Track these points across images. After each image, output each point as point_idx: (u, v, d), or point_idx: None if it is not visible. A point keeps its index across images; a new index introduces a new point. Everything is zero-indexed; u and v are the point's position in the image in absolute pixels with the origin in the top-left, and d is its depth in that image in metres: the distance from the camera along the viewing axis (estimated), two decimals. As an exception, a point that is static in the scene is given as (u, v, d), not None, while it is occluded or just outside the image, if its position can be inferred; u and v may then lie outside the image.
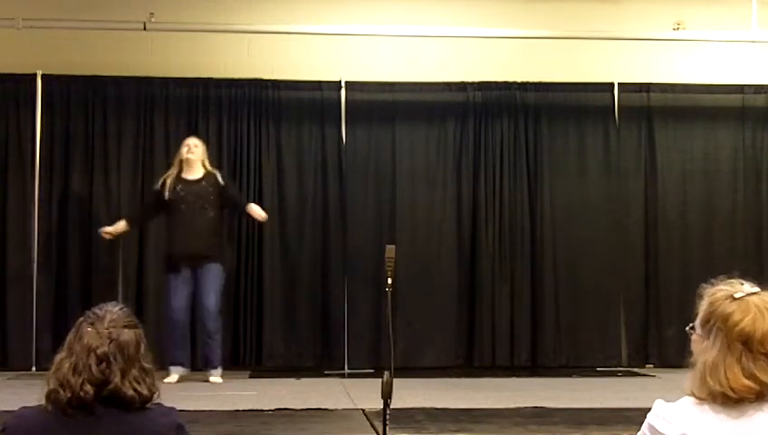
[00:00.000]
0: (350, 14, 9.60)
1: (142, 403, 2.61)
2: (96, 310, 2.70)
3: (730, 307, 2.43)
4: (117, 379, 2.58)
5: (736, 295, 2.44)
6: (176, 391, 7.06)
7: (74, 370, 2.58)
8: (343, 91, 9.65)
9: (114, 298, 8.28)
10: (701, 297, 2.51)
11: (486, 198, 9.70)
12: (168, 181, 8.30)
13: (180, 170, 8.36)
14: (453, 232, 9.69)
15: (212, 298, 8.22)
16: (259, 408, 6.64)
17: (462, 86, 9.75)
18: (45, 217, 9.33)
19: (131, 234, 9.37)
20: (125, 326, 2.66)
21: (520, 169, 9.76)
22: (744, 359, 2.39)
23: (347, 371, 9.30)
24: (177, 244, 8.27)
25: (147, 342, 2.72)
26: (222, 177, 8.48)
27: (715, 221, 9.88)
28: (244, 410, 6.53)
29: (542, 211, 9.75)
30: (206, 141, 9.45)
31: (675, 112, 9.91)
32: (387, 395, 4.35)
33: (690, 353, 2.52)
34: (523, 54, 9.80)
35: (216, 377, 8.24)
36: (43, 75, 9.39)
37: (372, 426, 5.83)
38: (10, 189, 9.36)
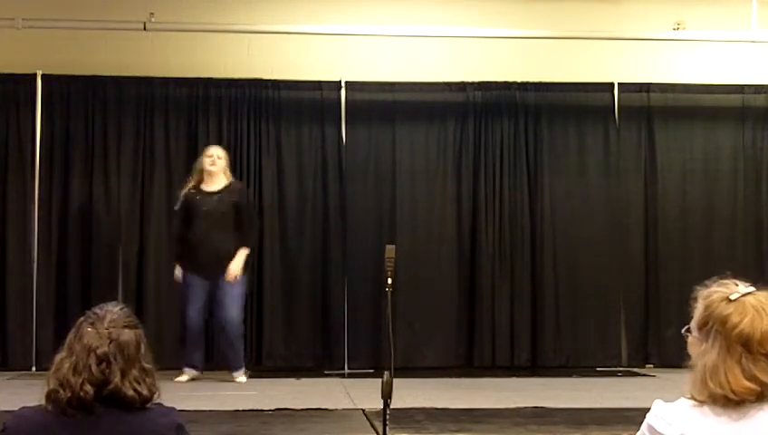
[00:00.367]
0: (350, 14, 9.60)
1: (142, 403, 2.61)
2: (96, 310, 2.70)
3: (727, 309, 2.42)
4: (117, 379, 2.58)
5: (732, 297, 2.43)
6: (176, 390, 7.06)
7: (74, 370, 2.58)
8: (343, 91, 9.65)
9: (114, 298, 8.30)
10: (696, 300, 2.50)
11: (486, 197, 9.70)
12: (187, 191, 8.33)
13: (200, 180, 8.33)
14: (453, 232, 9.69)
15: (234, 311, 8.25)
16: (259, 408, 6.64)
17: (462, 86, 9.75)
18: (45, 217, 9.33)
19: (131, 234, 9.40)
20: (125, 326, 2.66)
21: (520, 169, 9.76)
22: (744, 360, 2.38)
23: (347, 371, 9.30)
24: (196, 255, 8.24)
25: (147, 342, 2.72)
26: (246, 195, 8.51)
27: (715, 221, 9.88)
28: (244, 410, 6.53)
29: (542, 211, 9.75)
30: (206, 141, 9.48)
31: (675, 112, 9.91)
32: (387, 395, 4.35)
33: (688, 356, 2.51)
34: (523, 54, 9.80)
35: (242, 377, 8.35)
36: (43, 75, 9.39)
37: (372, 426, 5.83)
38: (10, 189, 9.36)
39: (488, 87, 9.76)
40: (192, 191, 8.30)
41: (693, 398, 2.43)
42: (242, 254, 8.24)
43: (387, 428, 4.52)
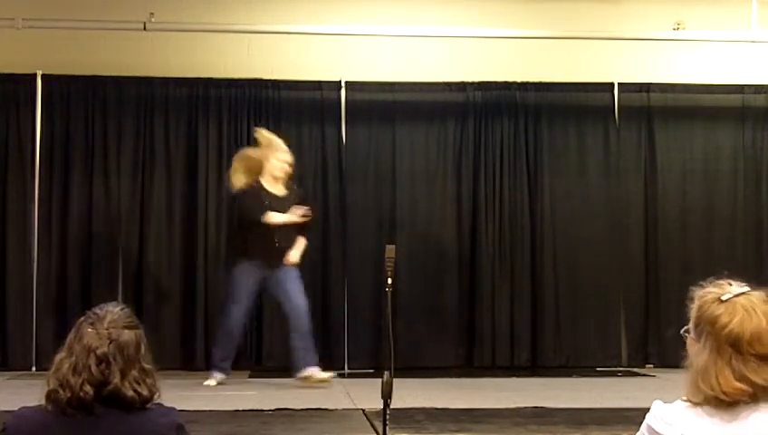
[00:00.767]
0: (350, 14, 9.60)
1: (142, 404, 2.61)
2: (96, 310, 2.70)
3: (717, 310, 2.42)
4: (116, 379, 2.58)
5: (723, 297, 2.43)
6: (176, 390, 7.06)
7: (74, 370, 2.58)
8: (343, 91, 9.65)
9: (114, 298, 8.31)
10: (692, 300, 2.50)
11: (486, 197, 9.70)
12: (254, 189, 7.99)
13: (258, 174, 8.03)
14: (453, 232, 9.69)
15: (302, 297, 8.02)
16: (259, 408, 6.64)
17: (462, 86, 9.75)
18: (45, 216, 9.33)
19: (131, 234, 9.39)
20: (125, 327, 2.66)
21: (520, 169, 9.76)
22: (734, 361, 2.38)
23: (347, 371, 9.30)
24: (257, 254, 7.91)
25: (147, 342, 2.71)
26: (301, 196, 8.28)
27: (715, 221, 9.88)
28: (244, 410, 6.53)
29: (541, 211, 9.75)
30: (206, 141, 9.50)
31: (675, 112, 9.91)
32: (387, 395, 4.35)
33: (687, 356, 2.51)
34: (523, 54, 9.80)
35: (321, 373, 8.05)
36: (43, 75, 9.39)
37: (372, 426, 5.83)
38: (10, 189, 9.36)
39: (488, 87, 9.76)
40: (262, 193, 7.97)
41: (689, 400, 2.42)
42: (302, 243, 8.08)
43: (387, 428, 4.52)
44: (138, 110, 9.49)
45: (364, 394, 6.98)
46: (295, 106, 9.62)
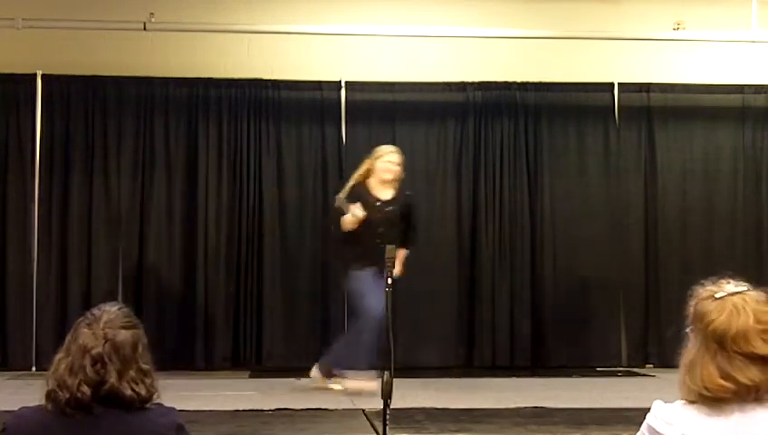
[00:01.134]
0: (350, 14, 9.60)
1: (141, 403, 2.61)
2: (94, 310, 2.69)
3: (708, 306, 2.43)
4: (113, 379, 2.57)
5: (717, 295, 2.43)
6: (176, 390, 7.06)
7: (71, 371, 2.58)
8: (343, 91, 9.65)
9: (114, 298, 8.31)
10: (693, 298, 2.51)
11: (486, 197, 9.69)
12: (362, 192, 7.68)
13: (367, 178, 7.74)
14: (453, 232, 9.68)
15: (380, 306, 7.42)
16: (259, 408, 6.64)
17: (462, 86, 9.75)
18: (45, 217, 9.33)
19: (131, 234, 9.39)
20: (122, 327, 2.65)
21: (520, 169, 9.76)
22: (719, 358, 2.37)
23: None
24: (363, 259, 7.52)
25: (146, 342, 2.70)
26: (411, 204, 7.92)
27: (715, 221, 9.88)
28: (244, 410, 6.54)
29: (541, 211, 9.75)
30: (206, 141, 9.49)
31: (675, 112, 9.91)
32: (387, 395, 4.35)
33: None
34: (523, 54, 9.80)
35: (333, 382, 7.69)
36: (43, 75, 9.39)
37: (372, 426, 5.83)
38: (10, 189, 9.36)
39: (488, 87, 9.76)
40: (370, 195, 7.69)
41: (684, 398, 2.43)
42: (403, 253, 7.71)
43: (387, 428, 4.52)
44: (138, 110, 9.49)
45: (364, 394, 6.97)
46: (295, 106, 9.62)
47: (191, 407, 6.10)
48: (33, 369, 8.99)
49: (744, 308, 2.39)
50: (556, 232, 9.75)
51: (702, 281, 2.51)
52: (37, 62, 9.39)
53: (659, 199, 9.85)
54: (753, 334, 2.37)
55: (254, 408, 6.64)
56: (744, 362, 2.36)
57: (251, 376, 8.88)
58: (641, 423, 2.50)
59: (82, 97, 9.45)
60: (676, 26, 9.67)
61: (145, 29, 9.12)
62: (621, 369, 9.50)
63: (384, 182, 7.77)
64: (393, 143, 9.62)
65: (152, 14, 9.11)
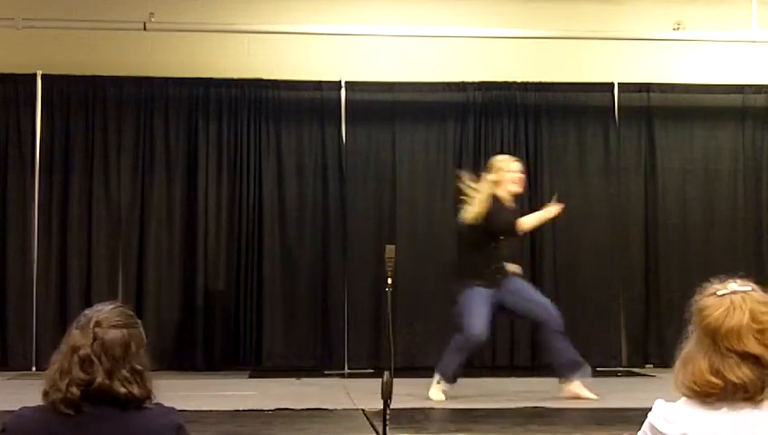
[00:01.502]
0: (350, 14, 9.59)
1: (137, 403, 2.59)
2: (87, 310, 2.67)
3: (707, 302, 2.43)
4: (101, 378, 2.54)
5: (719, 292, 2.43)
6: (176, 390, 7.06)
7: (61, 371, 2.58)
8: (343, 91, 9.65)
9: (114, 298, 8.30)
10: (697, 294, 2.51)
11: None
12: (500, 206, 7.50)
13: (495, 192, 7.53)
14: (453, 232, 9.65)
15: (543, 296, 7.62)
16: (259, 408, 6.64)
17: (462, 86, 9.75)
18: (45, 216, 9.33)
19: (131, 234, 9.39)
20: (113, 326, 2.62)
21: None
22: (711, 353, 2.37)
23: (347, 371, 9.30)
24: (484, 275, 7.36)
25: (144, 341, 2.67)
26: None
27: (715, 221, 9.88)
28: (244, 410, 6.53)
29: (542, 211, 9.73)
30: (206, 142, 9.49)
31: (675, 112, 9.91)
32: (387, 395, 4.34)
33: None
34: (523, 54, 9.80)
35: (585, 390, 7.38)
36: (43, 75, 9.39)
37: (372, 426, 5.83)
38: (10, 189, 9.36)
39: (488, 87, 9.76)
40: (503, 207, 7.53)
41: (676, 390, 2.43)
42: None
43: (387, 428, 4.52)
44: (138, 110, 9.49)
45: (364, 394, 6.98)
46: (295, 106, 9.62)
47: (191, 407, 6.10)
48: (33, 369, 8.99)
49: (741, 306, 2.39)
50: (556, 232, 9.73)
51: (710, 279, 2.51)
52: (37, 62, 9.39)
53: (659, 199, 9.85)
54: (746, 332, 2.36)
55: (254, 408, 6.63)
56: (736, 359, 2.35)
57: (251, 376, 8.88)
58: (642, 423, 2.49)
59: (82, 97, 9.46)
60: (676, 26, 9.67)
61: (145, 29, 9.12)
62: (621, 369, 9.50)
63: (510, 193, 7.58)
64: (393, 143, 9.69)
65: (152, 14, 9.11)
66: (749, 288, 2.44)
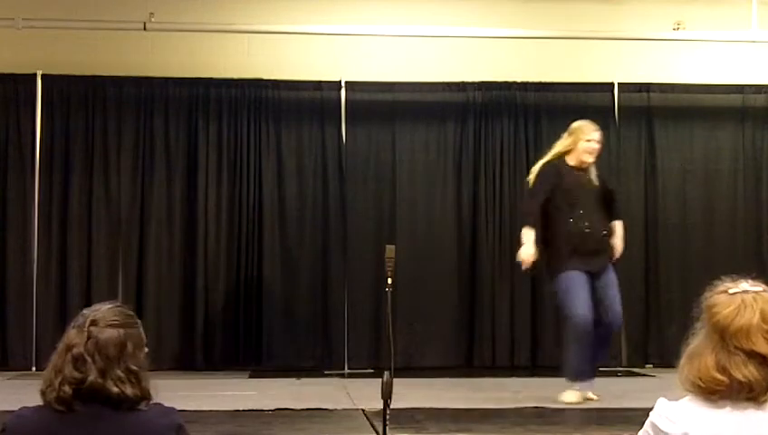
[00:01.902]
0: (350, 14, 9.59)
1: (133, 403, 2.59)
2: (85, 310, 2.68)
3: (718, 299, 2.43)
4: (93, 377, 2.54)
5: (731, 291, 2.44)
6: (176, 390, 7.06)
7: (55, 370, 2.58)
8: (343, 91, 9.65)
9: (114, 298, 8.30)
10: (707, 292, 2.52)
11: (486, 198, 9.69)
12: (563, 171, 7.07)
13: (566, 160, 7.11)
14: (453, 232, 9.68)
15: (619, 307, 7.10)
16: (259, 408, 6.64)
17: (462, 86, 9.75)
18: (45, 216, 9.33)
19: (131, 234, 9.39)
20: (108, 325, 2.61)
21: (520, 169, 9.74)
22: (718, 350, 2.38)
23: (347, 371, 9.30)
24: (569, 253, 7.05)
25: (143, 341, 2.66)
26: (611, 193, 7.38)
27: (715, 221, 9.88)
28: (244, 410, 6.53)
29: (541, 211, 9.73)
30: (206, 142, 9.49)
31: (675, 112, 9.91)
32: (387, 395, 4.35)
33: None
34: (523, 54, 9.80)
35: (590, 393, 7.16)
36: (43, 75, 9.39)
37: (372, 426, 5.83)
38: (10, 189, 9.36)
39: (488, 87, 9.76)
40: (562, 170, 7.07)
41: (681, 386, 2.43)
42: (621, 228, 7.13)
43: (387, 428, 4.52)
44: (138, 110, 9.49)
45: (364, 394, 6.97)
46: (295, 106, 9.62)
47: (191, 407, 6.10)
48: (33, 369, 8.98)
49: (752, 306, 2.40)
50: (556, 232, 9.73)
51: (710, 279, 2.51)
52: (37, 62, 9.39)
53: (659, 199, 9.85)
54: (755, 331, 2.37)
55: (254, 408, 6.63)
56: (743, 357, 2.36)
57: (251, 376, 8.88)
58: (642, 423, 2.49)
59: (82, 97, 9.46)
60: (676, 26, 9.67)
61: (145, 29, 9.12)
62: (621, 369, 9.49)
63: (582, 163, 7.13)
64: (393, 143, 9.69)
65: (152, 14, 9.12)
66: (760, 289, 2.45)
